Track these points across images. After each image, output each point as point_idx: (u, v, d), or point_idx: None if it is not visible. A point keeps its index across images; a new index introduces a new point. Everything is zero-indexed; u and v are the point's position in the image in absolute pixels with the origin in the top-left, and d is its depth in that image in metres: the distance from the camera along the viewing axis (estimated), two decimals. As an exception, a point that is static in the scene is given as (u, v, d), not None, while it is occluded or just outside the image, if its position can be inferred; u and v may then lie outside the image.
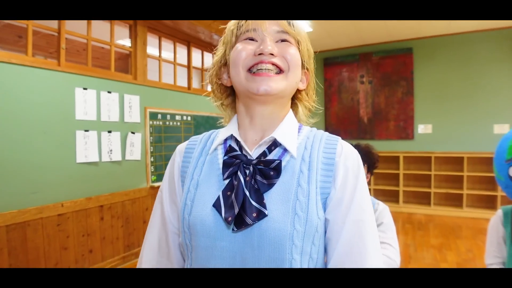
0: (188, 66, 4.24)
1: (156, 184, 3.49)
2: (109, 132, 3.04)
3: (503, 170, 1.05)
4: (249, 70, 0.64)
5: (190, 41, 4.19)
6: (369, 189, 1.61)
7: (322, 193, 0.61)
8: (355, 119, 5.85)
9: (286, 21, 0.65)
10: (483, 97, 4.94)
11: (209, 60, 4.65)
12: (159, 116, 3.60)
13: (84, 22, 2.98)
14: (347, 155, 0.65)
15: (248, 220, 0.57)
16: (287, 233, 0.57)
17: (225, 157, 0.66)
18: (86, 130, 2.84)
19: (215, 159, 0.69)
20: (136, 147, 3.31)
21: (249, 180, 0.62)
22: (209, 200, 0.63)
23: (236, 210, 0.58)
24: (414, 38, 5.35)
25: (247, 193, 0.60)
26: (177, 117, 3.85)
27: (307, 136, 0.69)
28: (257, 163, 0.63)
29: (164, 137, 3.66)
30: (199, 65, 4.47)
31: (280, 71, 0.64)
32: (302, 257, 0.58)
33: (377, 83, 5.65)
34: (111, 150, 3.05)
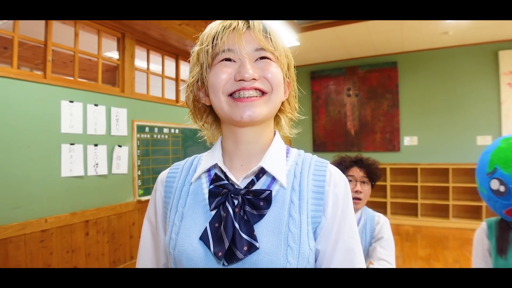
0: (176, 79, 4.24)
1: (143, 198, 3.43)
2: (96, 145, 2.99)
3: (484, 183, 1.07)
4: (231, 95, 0.61)
5: (179, 54, 4.20)
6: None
7: (313, 222, 0.60)
8: (342, 131, 5.91)
9: (263, 35, 0.61)
10: (466, 109, 5.08)
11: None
12: (147, 129, 3.57)
13: (71, 33, 2.96)
14: (336, 182, 0.64)
15: (239, 255, 0.55)
16: (279, 267, 0.55)
17: (211, 186, 0.63)
18: (71, 144, 2.79)
19: (200, 189, 0.66)
20: (123, 161, 3.26)
21: (238, 211, 0.59)
22: (195, 232, 0.60)
23: (227, 244, 0.55)
24: (398, 52, 5.49)
25: (237, 225, 0.57)
26: (165, 130, 3.82)
27: (295, 162, 0.66)
28: (246, 193, 0.60)
29: (152, 150, 3.63)
30: (187, 77, 4.47)
31: (263, 93, 0.61)
32: (299, 261, 0.57)
33: (363, 96, 5.75)
34: (97, 164, 3.00)
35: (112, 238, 3.15)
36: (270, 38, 0.63)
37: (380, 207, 5.51)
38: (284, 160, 0.65)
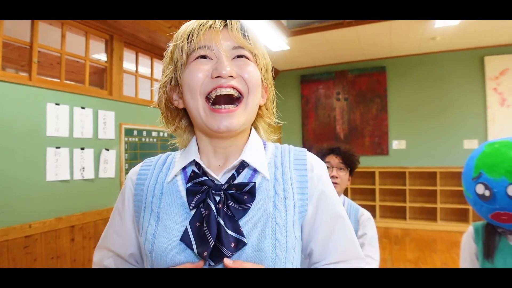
0: (166, 82, 4.20)
1: (131, 202, 3.38)
2: (82, 149, 2.94)
3: (470, 188, 1.08)
4: (207, 97, 0.58)
5: (168, 57, 4.17)
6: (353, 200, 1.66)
7: (301, 211, 0.60)
8: (331, 135, 5.94)
9: (240, 33, 0.59)
10: (453, 114, 5.15)
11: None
12: (135, 132, 3.53)
13: (58, 35, 2.91)
14: (317, 167, 0.65)
15: (227, 252, 0.53)
16: (269, 261, 0.54)
17: (189, 185, 0.60)
18: (57, 147, 2.73)
19: (175, 187, 0.63)
20: (110, 165, 3.21)
21: (222, 207, 0.56)
22: (175, 233, 0.57)
23: (212, 243, 0.53)
24: (387, 57, 5.55)
25: (222, 222, 0.55)
26: (154, 134, 3.78)
27: (274, 154, 0.66)
28: (228, 187, 0.58)
29: (140, 154, 3.58)
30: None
31: (240, 95, 0.59)
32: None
33: (352, 100, 5.79)
34: (83, 168, 2.94)
35: (98, 243, 3.09)
36: (248, 36, 0.61)
37: (369, 210, 5.51)
38: (263, 153, 0.65)
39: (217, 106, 0.58)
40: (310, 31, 4.27)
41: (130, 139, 3.45)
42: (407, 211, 5.29)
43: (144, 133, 3.65)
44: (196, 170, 0.62)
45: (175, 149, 0.75)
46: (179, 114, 0.69)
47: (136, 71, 3.75)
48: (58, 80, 2.89)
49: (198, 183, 0.59)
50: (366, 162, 5.62)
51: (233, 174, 0.61)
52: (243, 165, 0.62)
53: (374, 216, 5.50)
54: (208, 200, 0.57)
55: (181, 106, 0.65)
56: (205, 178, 0.59)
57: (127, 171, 3.39)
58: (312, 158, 0.67)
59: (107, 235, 0.72)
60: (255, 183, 0.58)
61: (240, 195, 0.57)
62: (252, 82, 0.59)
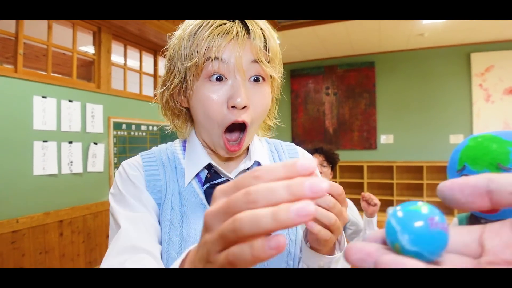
0: (155, 75, 4.17)
1: (120, 197, 3.36)
2: (70, 142, 2.90)
3: (456, 180, 1.10)
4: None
5: (157, 50, 4.13)
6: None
7: None
8: (321, 129, 5.98)
9: (259, 48, 0.56)
10: (440, 109, 5.24)
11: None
12: (124, 126, 3.49)
13: (45, 26, 2.85)
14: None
15: None
16: (286, 246, 0.56)
17: (206, 186, 0.61)
18: (44, 141, 2.69)
19: (191, 189, 0.62)
20: (99, 159, 3.18)
21: None
22: None
23: None
24: (376, 53, 5.59)
25: None
26: (143, 127, 3.75)
27: (270, 150, 0.71)
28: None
29: (129, 148, 3.56)
30: (166, 74, 4.40)
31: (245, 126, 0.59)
32: (294, 262, 0.63)
33: (341, 95, 5.83)
34: (71, 162, 2.91)
35: (87, 238, 3.07)
36: (269, 49, 0.59)
37: (357, 204, 5.61)
38: (266, 151, 0.69)
39: (227, 137, 0.59)
40: (300, 25, 4.27)
41: (119, 132, 3.42)
42: (395, 204, 5.38)
43: (133, 126, 3.62)
44: (211, 172, 0.63)
45: (164, 137, 0.74)
46: (182, 111, 0.67)
47: (125, 64, 3.70)
48: (45, 73, 2.84)
49: (216, 184, 0.60)
50: (354, 156, 5.68)
51: (245, 171, 0.63)
52: (256, 164, 0.65)
53: (361, 209, 5.57)
54: None
55: (185, 105, 0.64)
56: (223, 179, 0.61)
57: (116, 165, 3.36)
58: (301, 150, 0.74)
59: (126, 231, 0.54)
60: None
61: None
62: (263, 111, 0.60)
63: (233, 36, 0.55)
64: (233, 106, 0.55)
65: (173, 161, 0.66)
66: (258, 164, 0.65)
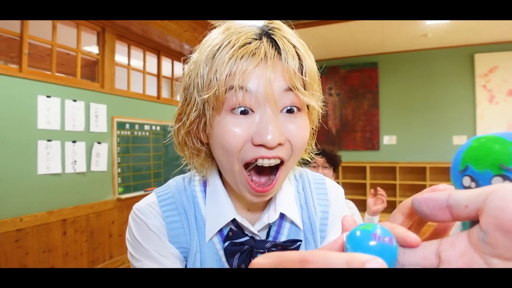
0: (158, 75, 4.18)
1: (123, 196, 3.37)
2: (74, 142, 2.92)
3: (457, 181, 1.10)
4: (246, 165, 0.48)
5: (160, 50, 4.15)
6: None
7: (321, 241, 0.60)
8: (323, 130, 5.98)
9: (293, 72, 0.45)
10: (443, 110, 5.22)
11: (179, 69, 4.60)
12: (127, 125, 3.51)
13: (49, 26, 2.87)
14: (335, 199, 0.63)
15: None
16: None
17: (227, 244, 0.52)
18: (48, 140, 2.71)
19: (211, 245, 0.54)
20: (102, 158, 3.20)
21: None
22: None
23: None
24: (379, 53, 5.58)
25: None
26: (146, 127, 3.77)
27: (297, 191, 0.61)
28: (272, 246, 0.52)
29: (132, 148, 3.57)
30: (169, 74, 4.42)
31: (281, 161, 0.48)
32: None
33: (344, 96, 5.83)
34: (75, 161, 2.93)
35: (90, 237, 3.09)
36: (305, 72, 0.48)
37: (360, 205, 5.59)
38: (293, 197, 0.58)
39: (254, 178, 0.49)
40: (303, 26, 4.27)
41: (122, 132, 3.43)
42: (397, 205, 5.36)
43: (137, 126, 3.63)
44: (234, 228, 0.54)
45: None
46: (203, 146, 0.55)
47: (129, 64, 3.72)
48: (49, 73, 2.85)
49: (238, 243, 0.52)
50: (357, 157, 5.67)
51: (268, 225, 0.55)
52: (281, 216, 0.57)
53: (365, 209, 5.54)
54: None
55: (205, 140, 0.53)
56: (247, 238, 0.52)
57: (119, 164, 3.38)
58: (331, 187, 0.63)
59: None
60: (301, 241, 0.54)
61: None
62: (300, 146, 0.49)
63: (261, 59, 0.44)
64: (260, 145, 0.45)
65: (193, 207, 0.56)
66: (282, 217, 0.56)
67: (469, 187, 1.05)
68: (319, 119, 0.56)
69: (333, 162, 1.91)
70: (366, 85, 5.67)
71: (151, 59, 4.14)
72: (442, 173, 5.12)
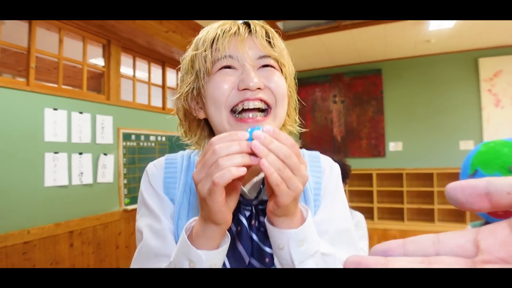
0: (163, 86, 4.22)
1: (129, 208, 3.38)
2: (80, 154, 2.94)
3: (468, 185, 1.09)
4: (232, 110, 0.56)
5: (165, 61, 4.19)
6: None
7: (315, 212, 0.62)
8: (329, 137, 5.97)
9: (266, 41, 0.58)
10: (449, 115, 5.19)
11: (184, 80, 4.63)
12: (133, 137, 3.53)
13: (56, 40, 2.92)
14: (329, 170, 0.67)
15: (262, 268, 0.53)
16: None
17: None
18: (55, 152, 2.73)
19: None
20: (109, 169, 3.21)
21: (254, 223, 0.56)
22: None
23: (247, 260, 0.53)
24: (382, 60, 5.59)
25: (255, 238, 0.55)
26: (152, 138, 3.79)
27: None
28: (258, 203, 0.57)
29: (138, 159, 3.58)
30: (173, 85, 4.46)
31: (267, 107, 0.56)
32: None
33: (349, 103, 5.82)
34: (82, 173, 2.94)
35: (97, 249, 3.08)
36: (273, 44, 0.59)
37: (367, 212, 5.56)
38: None
39: (244, 115, 0.56)
40: (306, 34, 4.30)
41: (128, 143, 3.45)
42: (405, 213, 5.31)
43: (142, 137, 3.65)
44: None
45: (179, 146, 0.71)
46: (200, 125, 0.66)
47: (134, 75, 3.76)
48: (56, 85, 2.89)
49: None
50: (363, 164, 5.64)
51: (260, 188, 0.60)
52: None
53: (372, 217, 5.53)
54: (240, 216, 0.57)
55: (201, 116, 0.62)
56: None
57: (125, 175, 3.39)
58: (325, 161, 0.69)
59: (149, 241, 0.58)
60: None
61: None
62: (280, 92, 0.57)
63: (236, 32, 0.57)
64: (244, 89, 0.54)
65: (192, 168, 0.65)
66: None
67: (479, 192, 1.01)
68: (291, 78, 0.65)
69: (342, 172, 1.87)
70: (370, 92, 5.67)
71: (156, 70, 4.19)
72: (450, 179, 5.06)
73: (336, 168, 0.70)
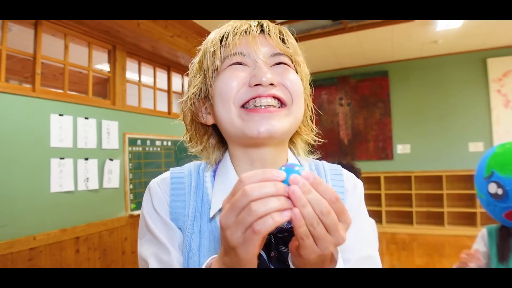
0: (168, 91, 4.22)
1: (135, 213, 3.36)
2: (86, 159, 2.94)
3: (483, 188, 1.06)
4: (243, 106, 0.51)
5: (170, 66, 4.19)
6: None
7: None
8: (335, 141, 5.92)
9: (279, 38, 0.54)
10: (457, 116, 5.12)
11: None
12: (139, 141, 3.52)
13: (61, 46, 2.93)
14: (353, 189, 0.61)
15: None
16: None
17: None
18: (61, 158, 2.73)
19: (214, 226, 0.54)
20: (114, 175, 3.20)
21: (274, 255, 0.49)
22: None
23: None
24: (389, 62, 5.55)
25: None
26: (157, 143, 3.78)
27: (309, 168, 0.63)
28: (278, 231, 0.50)
29: (144, 164, 3.57)
30: (179, 89, 4.46)
31: (282, 104, 0.52)
32: None
33: (355, 105, 5.78)
34: (87, 178, 2.94)
35: (103, 255, 3.07)
36: (288, 41, 0.56)
37: (375, 216, 5.48)
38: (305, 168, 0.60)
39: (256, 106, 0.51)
40: (312, 37, 4.28)
41: (134, 148, 3.45)
42: (414, 216, 5.23)
43: (148, 142, 3.64)
44: None
45: (196, 156, 0.64)
46: (207, 132, 0.61)
47: (139, 80, 3.76)
48: (62, 91, 2.90)
49: None
50: (370, 167, 5.58)
51: None
52: None
53: (380, 221, 5.46)
54: None
55: (210, 122, 0.57)
56: None
57: (131, 180, 3.38)
58: (348, 180, 0.63)
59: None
60: None
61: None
62: (295, 90, 0.53)
63: (247, 30, 0.53)
64: (256, 85, 0.50)
65: (201, 191, 0.58)
66: None
67: (495, 194, 1.01)
68: (306, 80, 0.59)
69: None
70: (377, 94, 5.62)
71: (161, 75, 4.19)
72: (459, 181, 4.98)
73: (359, 187, 0.63)
